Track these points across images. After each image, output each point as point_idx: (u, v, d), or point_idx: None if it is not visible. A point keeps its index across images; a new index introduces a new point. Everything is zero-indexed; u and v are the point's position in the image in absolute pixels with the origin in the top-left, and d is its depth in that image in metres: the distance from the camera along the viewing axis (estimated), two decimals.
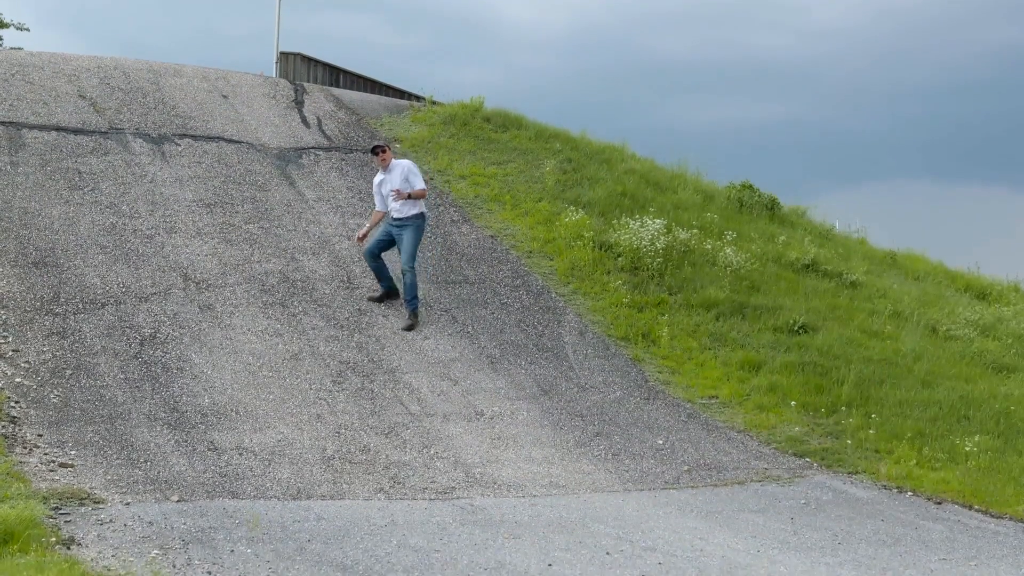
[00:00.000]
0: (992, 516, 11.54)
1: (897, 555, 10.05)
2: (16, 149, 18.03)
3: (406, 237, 15.49)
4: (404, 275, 15.36)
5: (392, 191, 15.53)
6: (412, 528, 9.89)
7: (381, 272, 15.77)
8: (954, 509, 11.72)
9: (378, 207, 15.96)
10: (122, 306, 14.27)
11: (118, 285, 14.73)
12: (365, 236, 15.88)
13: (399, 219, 15.61)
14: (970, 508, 11.75)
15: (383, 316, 15.32)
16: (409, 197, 15.49)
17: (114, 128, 19.56)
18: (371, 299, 15.69)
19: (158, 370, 12.98)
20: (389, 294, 15.80)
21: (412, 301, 15.27)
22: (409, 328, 15.06)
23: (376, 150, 15.77)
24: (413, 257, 15.42)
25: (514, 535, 9.90)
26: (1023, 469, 12.73)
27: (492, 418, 13.23)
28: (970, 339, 17.45)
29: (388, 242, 15.74)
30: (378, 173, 15.92)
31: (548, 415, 13.54)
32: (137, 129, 19.73)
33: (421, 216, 15.68)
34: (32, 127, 18.86)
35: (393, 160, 15.80)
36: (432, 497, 10.94)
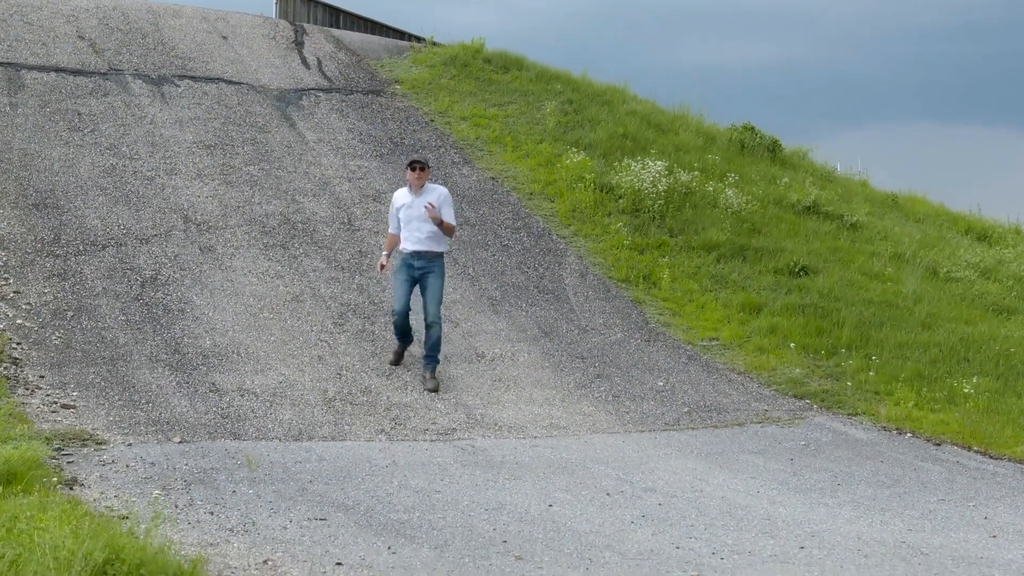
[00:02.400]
0: (991, 457, 11.59)
1: (896, 496, 10.10)
2: (15, 90, 17.96)
3: (431, 282, 12.60)
4: (429, 328, 12.55)
5: (427, 205, 12.56)
6: (413, 469, 9.93)
7: (408, 331, 12.90)
8: (953, 450, 11.77)
9: (393, 230, 12.99)
10: (123, 248, 14.26)
11: (119, 227, 14.72)
12: (386, 264, 13.06)
13: (422, 254, 12.62)
14: (969, 449, 11.79)
15: None
16: (440, 226, 12.63)
17: (113, 69, 19.47)
18: (394, 364, 12.88)
19: (159, 312, 12.99)
20: (406, 350, 13.09)
21: (434, 358, 12.57)
22: (435, 390, 12.34)
23: (415, 165, 12.63)
24: (440, 305, 12.69)
25: (515, 476, 9.94)
26: (1022, 411, 12.77)
27: (493, 360, 13.26)
28: (970, 281, 17.46)
29: (412, 287, 12.82)
30: (402, 191, 12.89)
31: (549, 357, 13.57)
32: (137, 70, 19.64)
33: (442, 256, 12.87)
34: (31, 68, 18.78)
35: (428, 184, 12.83)
36: (433, 438, 10.98)
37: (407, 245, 12.69)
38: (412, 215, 12.66)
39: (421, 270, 12.62)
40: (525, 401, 12.31)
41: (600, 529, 8.73)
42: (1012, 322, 16.00)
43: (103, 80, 18.96)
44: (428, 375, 12.44)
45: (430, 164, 13.09)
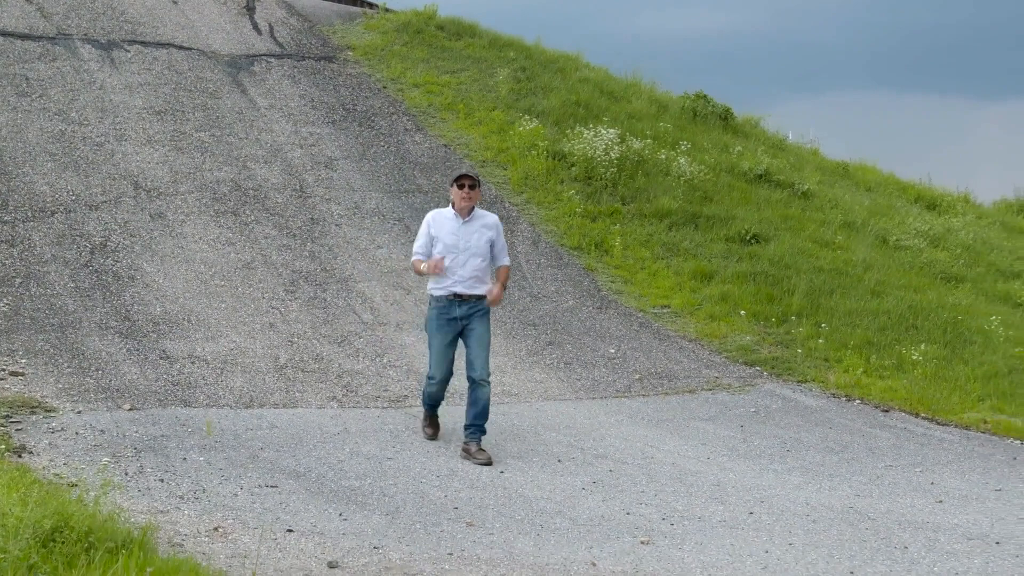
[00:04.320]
0: (938, 423, 11.73)
1: (844, 461, 10.21)
2: None
3: (478, 330, 9.97)
4: (476, 389, 9.88)
5: (491, 294, 10.04)
6: (365, 436, 9.95)
7: (439, 400, 10.32)
8: (901, 417, 11.90)
9: (421, 253, 10.13)
10: (72, 214, 14.15)
11: (68, 193, 14.60)
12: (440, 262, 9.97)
13: (468, 298, 9.95)
14: (916, 416, 11.93)
15: (336, 225, 15.27)
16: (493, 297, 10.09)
17: (62, 34, 19.27)
18: (432, 437, 10.22)
19: (109, 279, 12.91)
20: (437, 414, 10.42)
21: (480, 428, 9.90)
22: (489, 463, 9.63)
23: (463, 181, 10.03)
24: (489, 357, 10.11)
25: None
26: (969, 377, 12.92)
27: None
28: (919, 249, 17.61)
29: (455, 346, 10.14)
30: (442, 214, 10.18)
31: (501, 324, 13.58)
32: (86, 35, 19.45)
33: (484, 297, 10.11)
34: None
35: (477, 208, 10.19)
36: (385, 405, 10.99)
37: (446, 286, 9.97)
38: (458, 246, 9.95)
39: (466, 314, 9.95)
40: None
41: (551, 495, 8.78)
42: (960, 290, 16.17)
43: (51, 45, 18.76)
44: (475, 447, 9.78)
45: (480, 183, 10.37)
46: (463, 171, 10.40)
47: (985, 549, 7.73)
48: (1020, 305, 16.35)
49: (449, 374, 10.08)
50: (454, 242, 9.95)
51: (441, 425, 10.28)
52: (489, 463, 9.57)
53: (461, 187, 10.00)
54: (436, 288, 10.01)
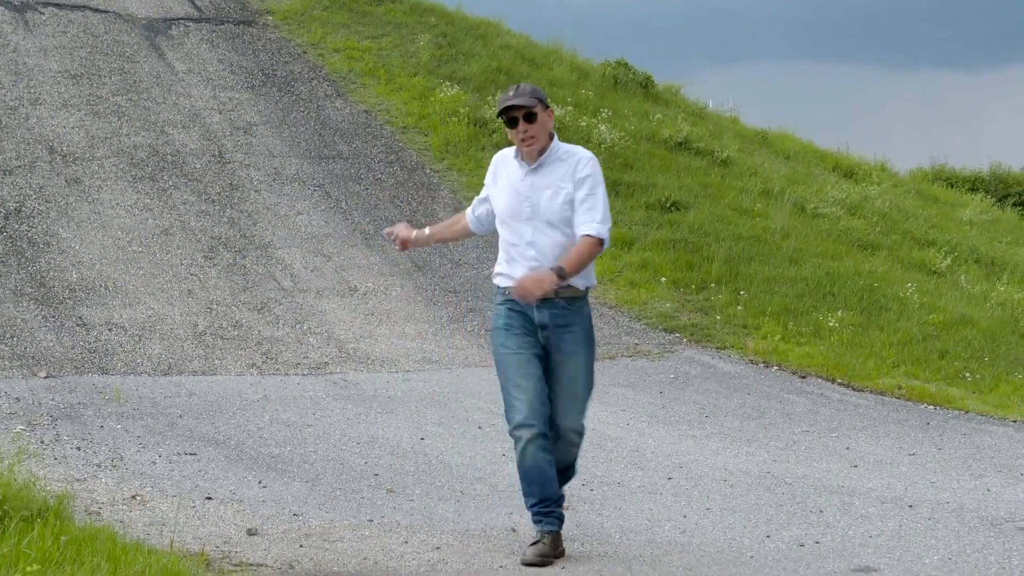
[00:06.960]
0: (854, 389, 11.89)
1: (762, 427, 10.31)
2: None
3: (572, 354, 6.48)
4: (562, 444, 6.54)
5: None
6: (285, 403, 9.92)
7: (550, 479, 6.44)
8: (817, 383, 12.04)
9: (473, 223, 6.92)
10: None
11: None
12: (407, 238, 6.82)
13: (552, 298, 6.37)
14: (833, 381, 12.08)
15: (255, 191, 15.15)
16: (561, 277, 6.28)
17: None
18: (534, 562, 6.34)
19: (24, 244, 12.74)
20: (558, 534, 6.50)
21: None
22: (547, 557, 6.41)
23: (512, 113, 6.53)
24: (587, 402, 6.63)
25: (387, 410, 9.97)
26: (884, 344, 13.10)
27: (366, 294, 13.23)
28: (837, 217, 17.79)
29: (542, 363, 6.46)
30: (509, 155, 6.70)
31: (422, 291, 13.57)
32: None
33: (586, 297, 6.61)
34: None
35: (556, 143, 6.65)
36: (305, 372, 10.96)
37: (511, 273, 6.51)
38: (521, 211, 6.50)
39: (550, 331, 6.45)
40: (398, 335, 12.31)
41: (471, 462, 8.80)
42: (876, 257, 16.37)
43: None
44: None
45: (547, 102, 6.64)
46: (508, 97, 6.56)
47: (899, 513, 7.85)
48: (934, 272, 16.59)
49: (542, 412, 6.36)
50: (515, 204, 6.51)
51: (553, 538, 6.45)
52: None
53: (512, 123, 6.49)
54: (501, 276, 6.59)
